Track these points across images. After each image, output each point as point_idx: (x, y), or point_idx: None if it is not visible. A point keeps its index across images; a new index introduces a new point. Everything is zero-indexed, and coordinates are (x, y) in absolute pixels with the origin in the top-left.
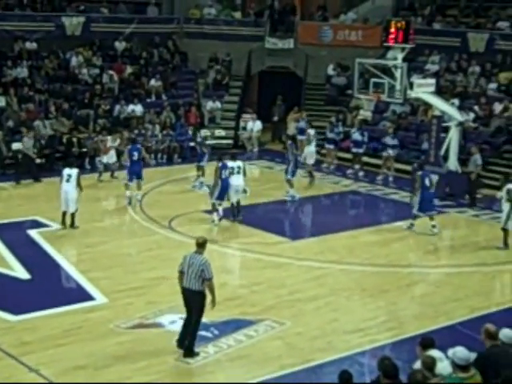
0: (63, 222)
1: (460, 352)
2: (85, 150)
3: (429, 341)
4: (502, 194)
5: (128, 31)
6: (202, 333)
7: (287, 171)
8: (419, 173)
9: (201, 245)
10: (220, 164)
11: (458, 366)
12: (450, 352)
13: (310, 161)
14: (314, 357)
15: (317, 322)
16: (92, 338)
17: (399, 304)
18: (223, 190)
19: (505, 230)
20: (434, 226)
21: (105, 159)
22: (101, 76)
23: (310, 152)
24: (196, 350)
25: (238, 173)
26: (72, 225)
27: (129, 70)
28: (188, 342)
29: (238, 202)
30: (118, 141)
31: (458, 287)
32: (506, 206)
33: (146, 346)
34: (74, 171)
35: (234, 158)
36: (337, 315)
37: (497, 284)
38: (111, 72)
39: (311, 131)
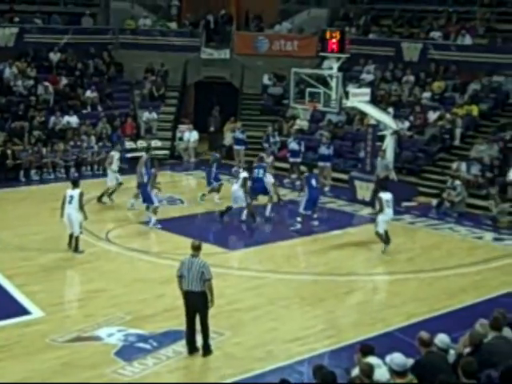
0: (70, 244)
1: (397, 358)
2: (20, 162)
3: (368, 348)
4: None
5: (63, 42)
6: (141, 345)
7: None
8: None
9: (197, 248)
10: (307, 174)
11: (395, 372)
12: (388, 358)
13: (235, 204)
14: (254, 366)
15: (256, 332)
16: (29, 353)
17: (337, 312)
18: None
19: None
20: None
21: None
22: (35, 87)
23: (236, 196)
24: (134, 362)
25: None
26: (76, 249)
27: (64, 81)
28: (204, 341)
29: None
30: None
31: (394, 294)
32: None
33: (84, 360)
34: (76, 192)
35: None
36: (276, 324)
37: (432, 290)
38: (46, 83)
39: (243, 173)
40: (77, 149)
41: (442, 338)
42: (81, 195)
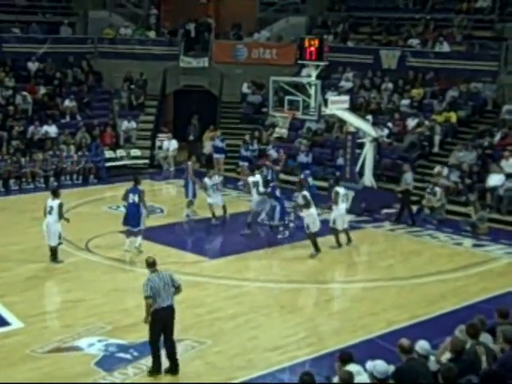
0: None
1: (379, 366)
2: None
3: (347, 355)
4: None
5: (41, 51)
6: (121, 355)
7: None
8: (336, 188)
9: (152, 264)
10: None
11: (377, 379)
12: (370, 365)
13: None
14: (235, 375)
15: (237, 341)
16: (8, 364)
17: (318, 320)
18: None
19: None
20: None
21: None
22: (14, 97)
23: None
24: (115, 372)
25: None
26: (54, 258)
27: (42, 90)
28: (174, 358)
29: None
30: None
31: (374, 301)
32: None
33: (64, 370)
34: (56, 203)
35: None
36: (256, 333)
37: (413, 297)
38: (24, 93)
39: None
40: (56, 158)
41: (422, 345)
42: (60, 206)
